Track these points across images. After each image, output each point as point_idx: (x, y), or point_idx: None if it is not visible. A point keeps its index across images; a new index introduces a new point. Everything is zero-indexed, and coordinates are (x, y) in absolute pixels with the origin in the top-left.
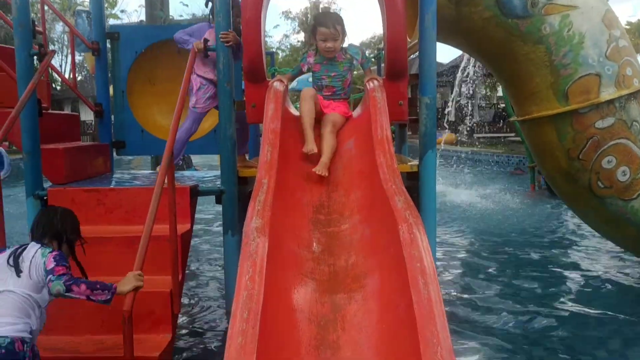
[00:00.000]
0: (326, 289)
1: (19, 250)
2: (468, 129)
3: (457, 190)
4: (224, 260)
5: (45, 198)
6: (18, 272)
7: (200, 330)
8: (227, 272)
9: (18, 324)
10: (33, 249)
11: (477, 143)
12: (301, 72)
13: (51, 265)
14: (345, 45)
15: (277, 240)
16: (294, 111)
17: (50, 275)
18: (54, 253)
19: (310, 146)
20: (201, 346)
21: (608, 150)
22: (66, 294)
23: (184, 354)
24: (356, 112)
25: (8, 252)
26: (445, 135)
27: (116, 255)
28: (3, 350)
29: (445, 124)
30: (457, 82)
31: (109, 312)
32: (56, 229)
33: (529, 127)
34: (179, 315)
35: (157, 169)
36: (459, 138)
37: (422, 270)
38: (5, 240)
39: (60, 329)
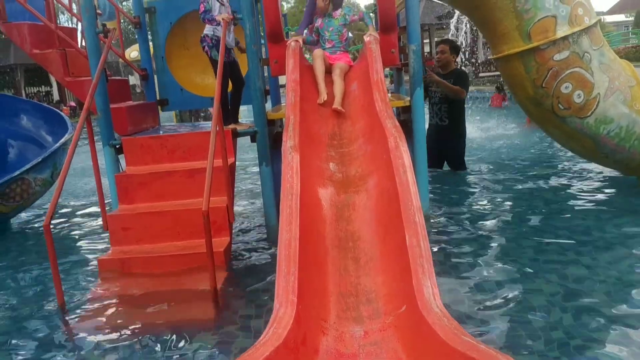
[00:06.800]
0: (341, 187)
1: None
2: (473, 68)
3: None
4: (260, 184)
5: (117, 146)
6: None
7: (246, 233)
8: (264, 192)
9: None
10: None
11: (482, 82)
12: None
13: None
14: (343, 5)
15: (304, 157)
16: (306, 62)
17: None
18: None
19: (323, 96)
20: (247, 240)
21: (565, 78)
22: None
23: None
24: (357, 61)
25: None
26: None
27: (180, 184)
28: None
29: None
30: (453, 25)
31: (181, 225)
32: None
33: (502, 63)
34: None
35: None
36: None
37: (402, 164)
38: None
39: (148, 239)
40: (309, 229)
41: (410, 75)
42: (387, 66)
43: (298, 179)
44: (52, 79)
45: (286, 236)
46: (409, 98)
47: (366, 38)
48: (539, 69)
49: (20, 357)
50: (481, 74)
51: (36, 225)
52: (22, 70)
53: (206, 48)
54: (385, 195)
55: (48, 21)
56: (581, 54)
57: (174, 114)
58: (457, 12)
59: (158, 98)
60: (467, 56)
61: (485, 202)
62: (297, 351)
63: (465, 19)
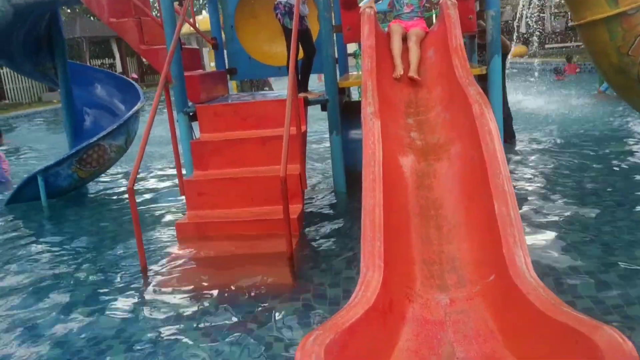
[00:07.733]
0: (422, 154)
1: None
2: (538, 40)
3: (526, 97)
4: (330, 152)
5: (191, 114)
6: None
7: (314, 200)
8: (333, 160)
9: None
10: None
11: (548, 54)
12: None
13: None
14: None
15: (383, 124)
16: (380, 29)
17: None
18: None
19: (399, 69)
20: (316, 208)
21: None
22: None
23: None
24: (433, 28)
25: None
26: (514, 48)
27: (252, 151)
28: None
29: (514, 37)
30: None
31: (254, 192)
32: None
33: (585, 30)
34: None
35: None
36: (531, 50)
37: (489, 131)
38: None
39: (222, 205)
40: (390, 196)
41: (488, 43)
42: (463, 32)
43: (380, 145)
44: (116, 52)
45: (370, 202)
46: (484, 67)
47: (444, 3)
48: (625, 35)
49: (109, 320)
50: (547, 45)
51: (109, 192)
52: (87, 43)
53: (279, 15)
54: (469, 163)
55: None
56: None
57: (233, 84)
58: None
59: (227, 67)
60: (533, 26)
61: (541, 173)
62: (385, 315)
63: None
